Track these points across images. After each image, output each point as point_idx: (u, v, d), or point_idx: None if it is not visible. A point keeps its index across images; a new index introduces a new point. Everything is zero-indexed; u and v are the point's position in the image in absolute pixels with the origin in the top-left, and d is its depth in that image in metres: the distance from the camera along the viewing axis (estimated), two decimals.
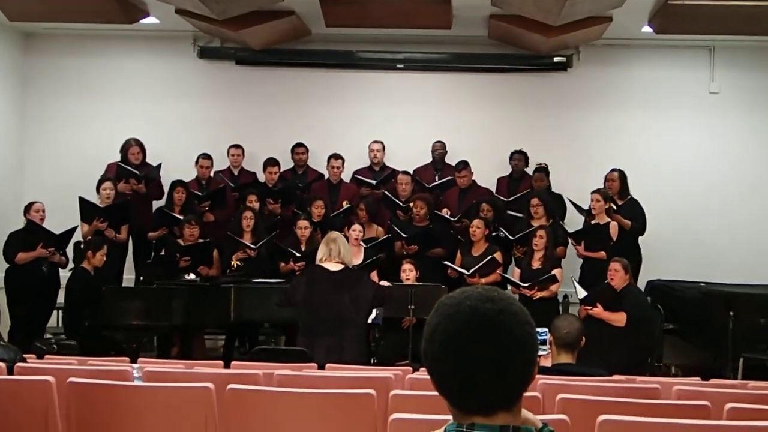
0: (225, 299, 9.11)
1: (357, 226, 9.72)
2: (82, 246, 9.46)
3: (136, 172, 10.51)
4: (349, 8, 10.00)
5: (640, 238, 10.24)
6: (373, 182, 10.83)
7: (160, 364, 6.16)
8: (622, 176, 10.33)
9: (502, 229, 10.01)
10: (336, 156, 10.90)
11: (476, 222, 9.65)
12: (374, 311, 8.02)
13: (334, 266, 7.27)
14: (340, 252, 7.32)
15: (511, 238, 9.82)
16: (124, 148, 10.77)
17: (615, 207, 10.03)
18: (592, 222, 9.89)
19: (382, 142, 11.18)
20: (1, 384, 4.61)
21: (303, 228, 9.69)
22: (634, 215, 10.13)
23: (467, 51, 11.69)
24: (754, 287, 10.18)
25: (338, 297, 7.18)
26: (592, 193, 9.89)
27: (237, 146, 11.20)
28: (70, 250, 9.85)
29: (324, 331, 7.08)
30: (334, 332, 7.08)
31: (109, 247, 9.42)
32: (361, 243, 9.63)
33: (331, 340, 6.99)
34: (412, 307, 8.49)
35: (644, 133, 11.66)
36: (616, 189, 10.27)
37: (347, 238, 9.56)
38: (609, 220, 9.78)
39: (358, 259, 9.23)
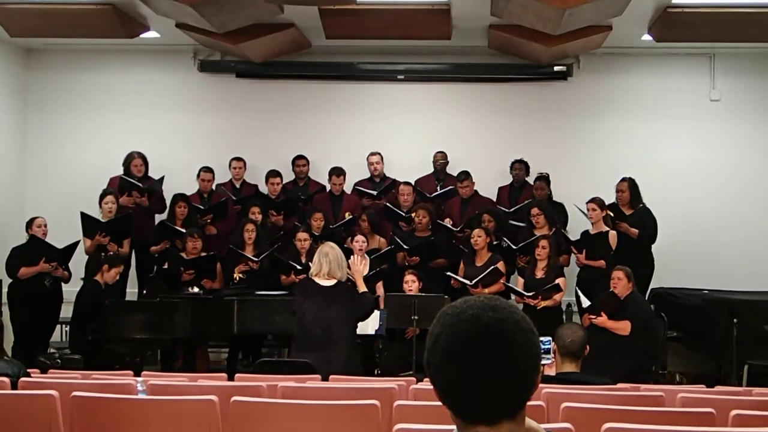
0: (228, 312, 9.09)
1: (360, 237, 9.70)
2: (103, 256, 9.48)
3: (139, 184, 10.52)
4: (348, 20, 10.01)
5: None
6: (374, 193, 10.83)
7: (163, 377, 6.16)
8: (632, 185, 10.25)
9: (505, 238, 10.01)
10: (337, 173, 10.90)
11: (476, 231, 9.64)
12: (378, 321, 8.00)
13: (325, 281, 7.20)
14: (332, 267, 7.23)
15: (514, 247, 9.81)
16: (127, 161, 10.78)
17: (612, 214, 10.00)
18: (592, 231, 9.88)
19: (380, 154, 11.18)
20: (5, 399, 4.61)
21: (302, 240, 9.69)
22: (645, 224, 10.09)
23: (467, 61, 11.71)
24: (758, 294, 10.17)
25: (328, 312, 7.09)
26: (587, 203, 9.88)
27: (239, 159, 11.21)
28: (76, 264, 9.86)
29: (313, 347, 7.01)
30: (322, 348, 7.00)
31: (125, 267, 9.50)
32: (365, 255, 9.62)
33: (319, 356, 6.90)
34: (416, 317, 8.47)
35: (645, 142, 11.66)
36: (626, 199, 10.22)
37: (349, 250, 9.57)
38: (607, 228, 9.77)
39: (363, 270, 9.24)
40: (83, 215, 9.89)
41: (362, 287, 7.44)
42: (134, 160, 10.77)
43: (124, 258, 9.70)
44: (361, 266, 7.58)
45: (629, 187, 10.26)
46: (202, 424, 4.27)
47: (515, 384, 1.92)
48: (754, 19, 9.77)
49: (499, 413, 1.93)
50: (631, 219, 10.07)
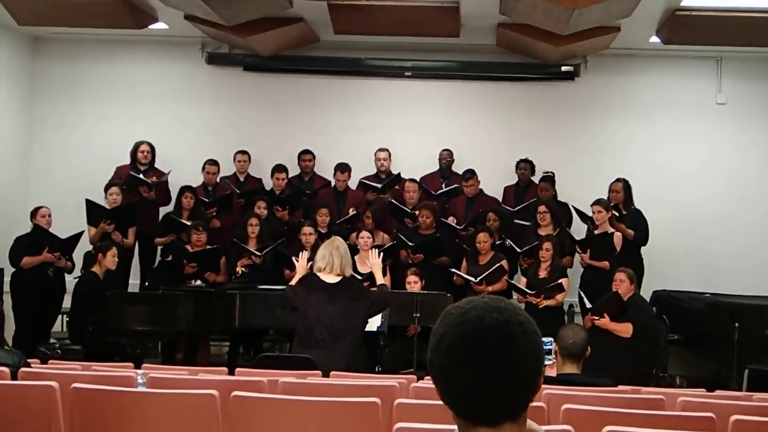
0: (230, 305, 9.08)
1: (365, 233, 9.68)
2: (93, 252, 9.46)
3: (148, 181, 10.52)
4: (357, 15, 10.01)
5: (642, 248, 10.23)
6: (378, 186, 10.81)
7: (164, 370, 6.15)
8: (627, 186, 10.32)
9: (509, 240, 10.00)
10: (342, 169, 10.90)
11: (481, 236, 9.64)
12: (379, 318, 7.95)
13: (330, 277, 7.10)
14: (335, 261, 7.15)
15: (519, 251, 9.80)
16: (134, 149, 10.81)
17: (618, 214, 10.02)
18: (597, 232, 9.87)
19: (388, 150, 11.18)
20: (5, 389, 4.61)
21: (307, 234, 9.67)
22: (638, 225, 10.12)
23: (475, 59, 11.70)
24: (760, 298, 10.17)
25: (332, 310, 6.96)
26: (592, 205, 9.87)
27: (243, 152, 11.21)
28: (77, 256, 9.87)
29: (316, 344, 6.93)
30: (326, 345, 6.91)
31: (119, 249, 9.42)
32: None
33: (323, 354, 6.83)
34: (418, 315, 8.47)
35: (651, 143, 11.66)
36: (620, 199, 10.27)
37: (355, 246, 9.55)
38: (613, 230, 9.76)
39: (368, 267, 9.21)
40: (88, 202, 9.91)
41: (380, 279, 7.38)
42: (142, 146, 10.80)
43: (113, 241, 9.64)
44: (378, 259, 7.50)
45: (624, 188, 10.30)
46: (202, 418, 4.27)
47: (518, 385, 1.91)
48: (761, 23, 9.75)
49: (502, 415, 1.92)
50: (625, 220, 10.09)
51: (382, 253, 7.81)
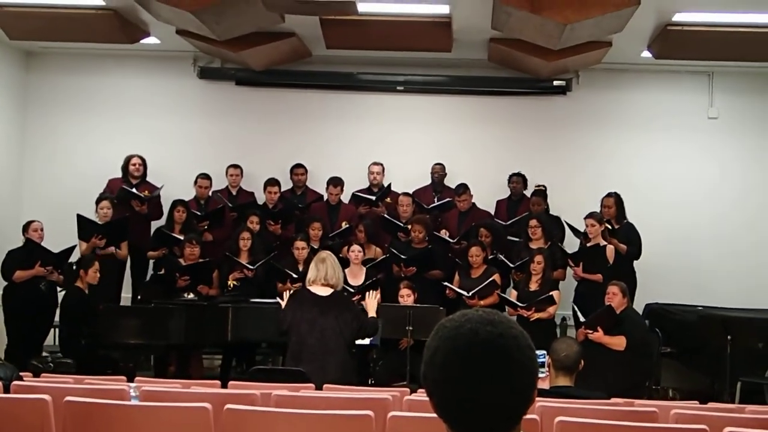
0: (222, 319, 9.07)
1: (356, 247, 9.71)
2: (74, 267, 9.43)
3: (140, 194, 10.50)
4: (349, 30, 10.02)
5: (635, 262, 10.24)
6: (372, 198, 10.81)
7: (157, 383, 6.13)
8: (618, 200, 10.33)
9: (501, 255, 10.00)
10: (335, 183, 10.89)
11: (473, 250, 9.64)
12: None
13: (321, 290, 7.13)
14: (327, 273, 7.17)
15: (511, 265, 9.80)
16: (126, 162, 10.79)
17: (610, 227, 10.03)
18: (589, 244, 9.87)
19: (382, 164, 11.18)
20: None
21: (300, 248, 9.69)
22: (631, 239, 10.13)
23: (467, 74, 11.73)
24: (752, 312, 10.18)
25: (323, 323, 7.03)
26: (585, 218, 9.89)
27: (236, 166, 11.21)
28: None
29: (308, 358, 6.96)
30: (317, 359, 6.95)
31: (101, 263, 9.36)
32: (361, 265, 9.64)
33: (315, 367, 6.85)
34: (410, 328, 8.45)
35: (642, 158, 11.68)
36: (612, 214, 10.27)
37: (347, 260, 9.56)
38: (606, 243, 9.78)
39: (359, 280, 9.22)
40: (79, 217, 9.88)
41: (371, 314, 7.45)
42: (133, 159, 10.80)
43: (96, 255, 9.60)
44: (374, 300, 7.57)
45: (615, 202, 10.31)
46: (195, 431, 4.26)
47: (512, 399, 1.92)
48: (752, 38, 9.78)
49: (496, 428, 1.93)
50: (618, 234, 10.10)
51: (378, 294, 7.88)
